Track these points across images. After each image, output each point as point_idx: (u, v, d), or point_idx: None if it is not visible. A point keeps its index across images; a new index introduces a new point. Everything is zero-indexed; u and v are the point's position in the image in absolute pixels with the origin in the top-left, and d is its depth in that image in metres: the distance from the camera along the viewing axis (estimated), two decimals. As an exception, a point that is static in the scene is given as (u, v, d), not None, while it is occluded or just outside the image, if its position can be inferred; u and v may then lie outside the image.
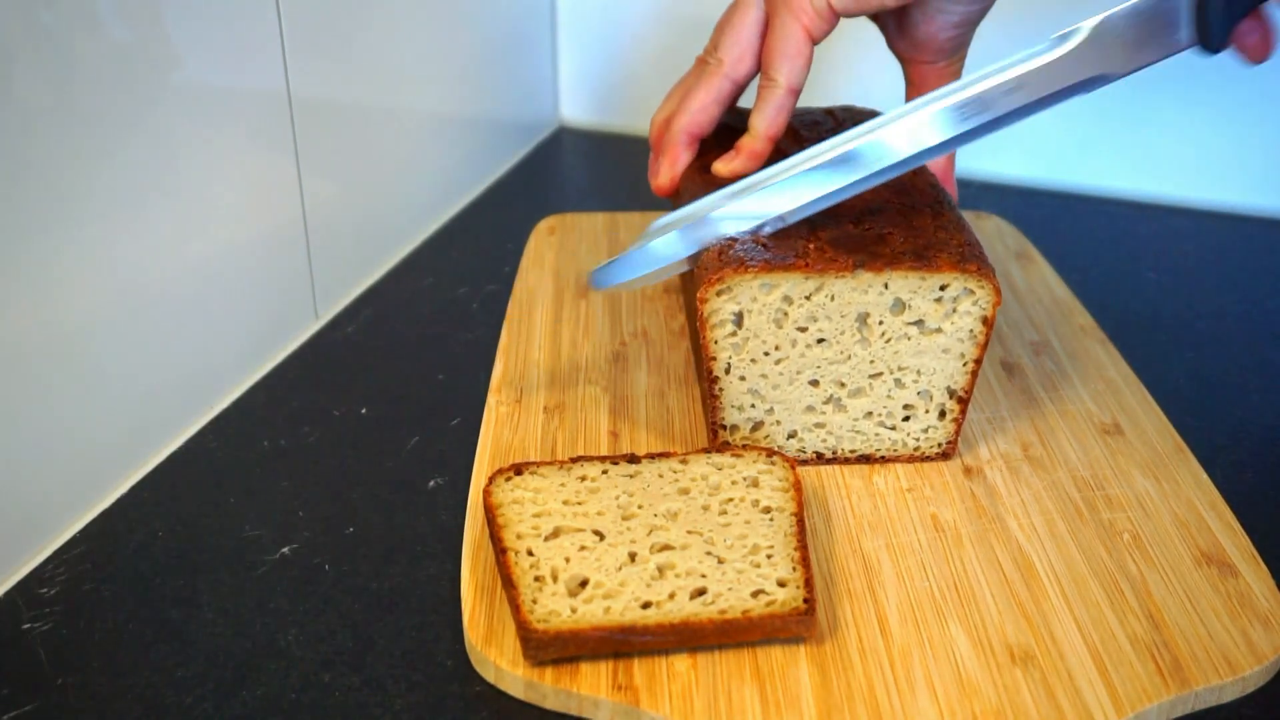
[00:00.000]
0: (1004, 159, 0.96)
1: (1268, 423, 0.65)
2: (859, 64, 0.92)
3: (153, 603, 0.51)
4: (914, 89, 0.64)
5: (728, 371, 0.56)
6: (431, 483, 0.58)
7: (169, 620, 0.50)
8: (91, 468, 0.56)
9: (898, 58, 0.62)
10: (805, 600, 0.47)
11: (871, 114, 0.70)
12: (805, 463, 0.58)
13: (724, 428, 0.57)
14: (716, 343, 0.55)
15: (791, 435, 0.58)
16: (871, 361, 0.55)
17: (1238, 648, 0.48)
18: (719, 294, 0.54)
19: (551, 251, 0.79)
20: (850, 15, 0.58)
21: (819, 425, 0.57)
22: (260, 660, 0.48)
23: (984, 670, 0.47)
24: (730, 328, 0.54)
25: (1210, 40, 0.51)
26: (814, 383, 0.56)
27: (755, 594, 0.48)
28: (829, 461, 0.58)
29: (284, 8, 0.64)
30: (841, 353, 0.55)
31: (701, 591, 0.48)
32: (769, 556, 0.50)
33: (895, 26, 0.61)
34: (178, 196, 0.59)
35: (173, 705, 0.46)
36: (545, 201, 0.90)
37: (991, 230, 0.81)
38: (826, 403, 0.57)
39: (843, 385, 0.56)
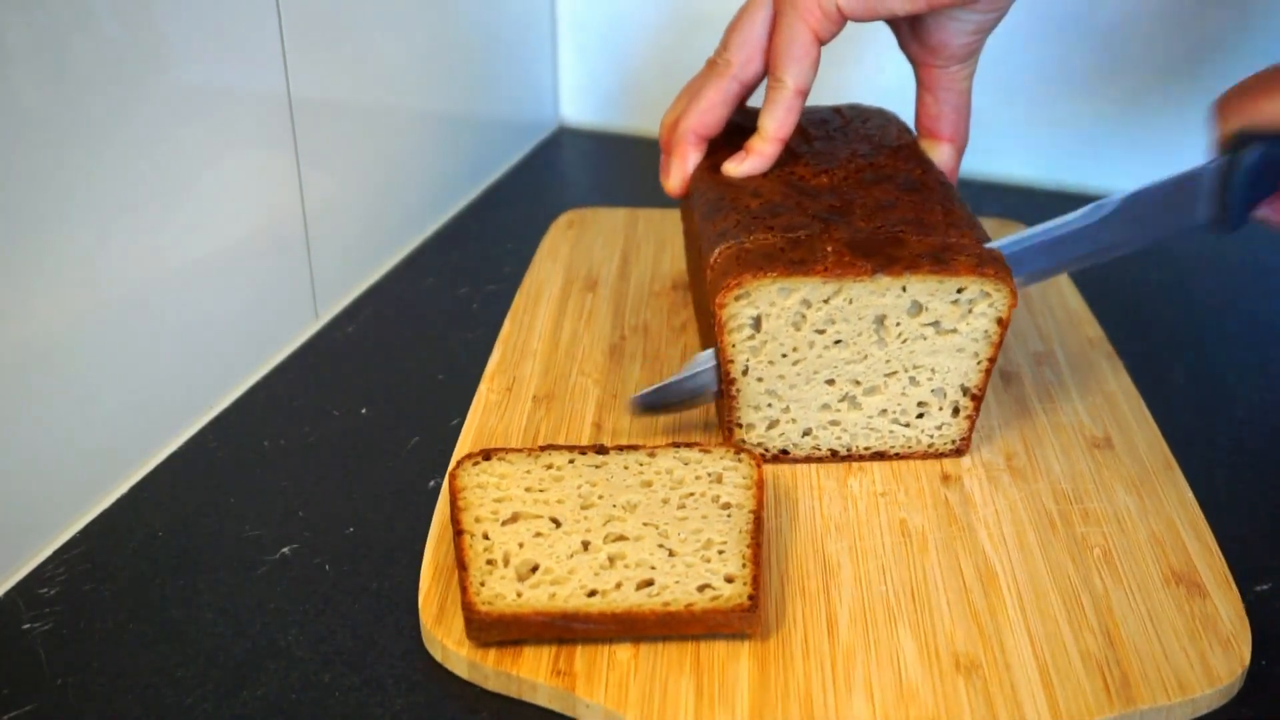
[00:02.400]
0: (1004, 158, 0.96)
1: (1270, 424, 0.65)
2: (867, 62, 0.92)
3: (153, 603, 0.53)
4: (926, 92, 0.67)
5: (745, 373, 0.59)
6: (431, 483, 0.59)
7: (169, 620, 0.52)
8: (91, 468, 0.58)
9: (910, 60, 0.63)
10: (750, 597, 0.50)
11: (879, 112, 0.70)
12: (821, 460, 0.61)
13: (740, 426, 0.60)
14: (734, 346, 0.59)
15: (807, 433, 0.62)
16: (887, 361, 0.59)
17: (1192, 669, 0.50)
18: (737, 299, 0.57)
19: (567, 245, 0.83)
20: (859, 20, 0.61)
21: (834, 423, 0.61)
22: (260, 660, 0.50)
23: (926, 677, 0.49)
24: (748, 331, 0.58)
25: (1229, 220, 0.57)
26: (830, 381, 0.60)
27: (701, 588, 0.51)
28: (844, 459, 0.62)
29: (284, 8, 0.65)
30: (858, 353, 0.58)
31: (649, 583, 0.51)
32: (720, 552, 0.52)
33: (909, 30, 0.65)
34: (178, 196, 0.61)
35: (173, 705, 0.48)
36: (545, 202, 0.92)
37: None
38: (842, 400, 0.61)
39: (858, 384, 0.60)
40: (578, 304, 0.76)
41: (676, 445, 0.58)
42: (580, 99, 1.09)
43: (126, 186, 0.59)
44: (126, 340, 0.61)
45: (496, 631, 0.49)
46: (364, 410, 0.68)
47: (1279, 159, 0.55)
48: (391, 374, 0.71)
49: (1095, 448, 0.63)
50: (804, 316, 0.58)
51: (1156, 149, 0.95)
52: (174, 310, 0.64)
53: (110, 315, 0.60)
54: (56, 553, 0.57)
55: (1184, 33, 0.91)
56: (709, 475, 0.56)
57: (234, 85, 0.66)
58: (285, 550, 0.57)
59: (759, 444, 0.61)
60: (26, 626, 0.53)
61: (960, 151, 0.68)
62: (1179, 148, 0.95)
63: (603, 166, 1.05)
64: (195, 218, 0.65)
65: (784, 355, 0.59)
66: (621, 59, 1.06)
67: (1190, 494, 0.59)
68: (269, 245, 0.71)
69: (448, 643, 0.50)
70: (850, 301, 0.57)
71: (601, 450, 0.58)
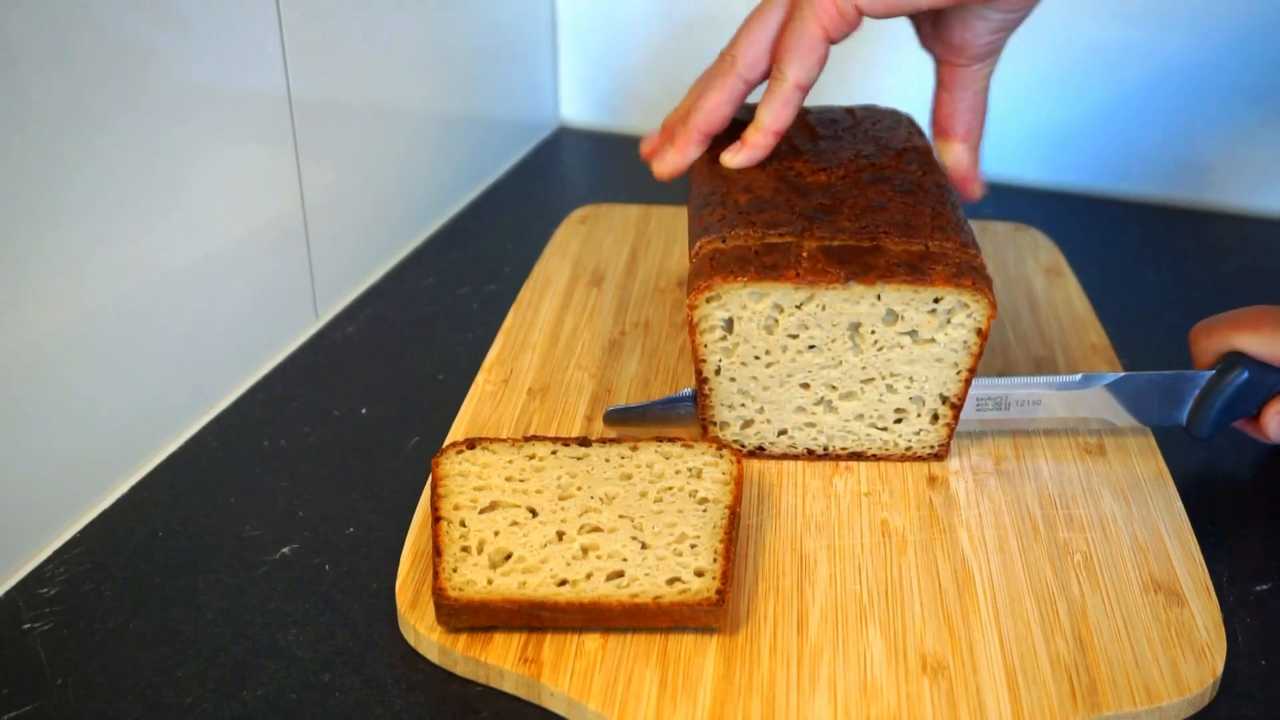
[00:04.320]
0: (1005, 158, 0.96)
1: (1269, 422, 0.65)
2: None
3: (153, 603, 0.55)
4: (943, 89, 0.70)
5: (718, 373, 0.62)
6: (431, 482, 0.59)
7: (169, 620, 0.53)
8: (91, 468, 0.60)
9: (931, 57, 0.63)
10: (718, 592, 0.52)
11: (892, 113, 0.70)
12: (796, 458, 0.64)
13: (714, 424, 0.63)
14: (706, 346, 0.61)
15: (782, 432, 0.64)
16: (863, 368, 0.60)
17: (1162, 677, 0.51)
18: (708, 300, 0.60)
19: (578, 240, 0.86)
20: (878, 17, 0.64)
21: (810, 424, 0.64)
22: (260, 660, 0.51)
23: (891, 676, 0.51)
24: (720, 332, 0.60)
25: (1203, 429, 0.62)
26: (805, 385, 0.61)
27: (671, 581, 0.53)
28: (820, 458, 0.64)
29: (284, 8, 0.65)
30: (833, 359, 0.59)
31: (619, 574, 0.53)
32: (693, 546, 0.55)
33: (930, 27, 0.66)
34: (179, 196, 0.62)
35: (173, 705, 0.49)
36: (545, 202, 0.92)
37: (1027, 243, 0.85)
38: (817, 404, 0.64)
39: (834, 389, 0.62)
40: (582, 298, 0.79)
41: (659, 440, 0.61)
42: (580, 99, 1.12)
43: (127, 186, 0.61)
44: (126, 340, 0.62)
45: (466, 617, 0.52)
46: (364, 410, 0.69)
47: (1259, 384, 0.61)
48: (391, 374, 0.73)
49: (1087, 454, 0.64)
50: (776, 321, 0.59)
51: (1157, 147, 0.95)
52: (174, 310, 0.65)
53: (110, 315, 0.61)
54: (56, 553, 0.58)
55: (1183, 35, 0.91)
56: (689, 470, 0.59)
57: (234, 84, 0.67)
58: (285, 550, 0.58)
59: (735, 440, 0.62)
60: (26, 626, 0.54)
61: (975, 149, 0.71)
62: (1179, 147, 0.95)
63: (602, 166, 1.08)
64: (195, 218, 0.66)
65: (756, 357, 0.61)
66: (621, 59, 1.08)
67: (1179, 502, 0.61)
68: (269, 245, 0.72)
69: (420, 628, 0.53)
70: (824, 308, 0.58)
71: (584, 442, 0.61)
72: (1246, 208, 0.97)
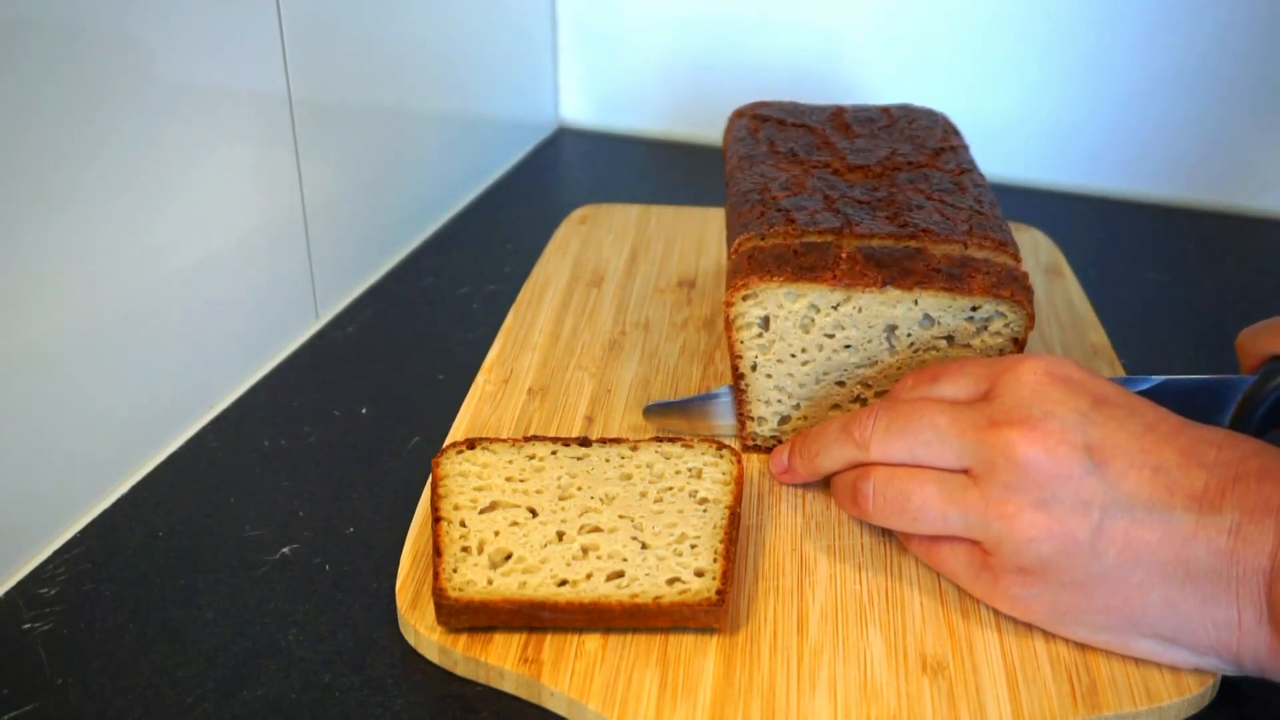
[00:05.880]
0: (1005, 158, 0.96)
1: (1268, 423, 0.65)
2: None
3: (153, 603, 0.56)
4: None
5: (754, 370, 0.62)
6: (431, 482, 0.59)
7: (169, 620, 0.54)
8: (92, 468, 0.60)
9: None
10: (718, 592, 0.52)
11: (928, 113, 0.70)
12: None
13: (751, 419, 0.64)
14: (743, 343, 0.62)
15: None
16: (899, 368, 0.61)
17: (1162, 678, 0.51)
18: (745, 298, 0.60)
19: (578, 240, 0.87)
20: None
21: None
22: (260, 660, 0.51)
23: (891, 676, 0.51)
24: (757, 330, 0.61)
25: (1245, 429, 0.60)
26: (840, 383, 0.63)
27: (671, 581, 0.53)
28: None
29: (284, 8, 0.65)
30: (869, 359, 0.61)
31: (619, 574, 0.54)
32: (693, 546, 0.55)
33: None
34: (179, 196, 0.62)
35: (173, 705, 0.49)
36: (545, 202, 0.92)
37: (1027, 243, 0.86)
38: (853, 402, 0.64)
39: (869, 387, 0.63)
40: (582, 299, 0.79)
41: (659, 440, 0.61)
42: (580, 99, 1.12)
43: (127, 186, 0.61)
44: (127, 340, 0.62)
45: (466, 617, 0.52)
46: (364, 410, 0.69)
47: None
48: (391, 374, 0.73)
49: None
50: (813, 320, 0.59)
51: (1158, 147, 0.95)
52: (174, 310, 0.65)
53: (110, 315, 0.61)
54: (56, 553, 0.59)
55: (1185, 37, 0.91)
56: (689, 470, 0.59)
57: (234, 84, 0.67)
58: (285, 550, 0.58)
59: (772, 436, 0.62)
60: (26, 626, 0.54)
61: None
62: (1180, 147, 0.95)
63: (602, 166, 1.08)
64: (195, 218, 0.66)
65: (793, 355, 0.61)
66: (621, 59, 1.08)
67: None
68: (269, 245, 0.72)
69: (420, 628, 0.53)
70: (860, 310, 0.58)
71: (584, 442, 0.61)
72: (1246, 208, 0.98)
